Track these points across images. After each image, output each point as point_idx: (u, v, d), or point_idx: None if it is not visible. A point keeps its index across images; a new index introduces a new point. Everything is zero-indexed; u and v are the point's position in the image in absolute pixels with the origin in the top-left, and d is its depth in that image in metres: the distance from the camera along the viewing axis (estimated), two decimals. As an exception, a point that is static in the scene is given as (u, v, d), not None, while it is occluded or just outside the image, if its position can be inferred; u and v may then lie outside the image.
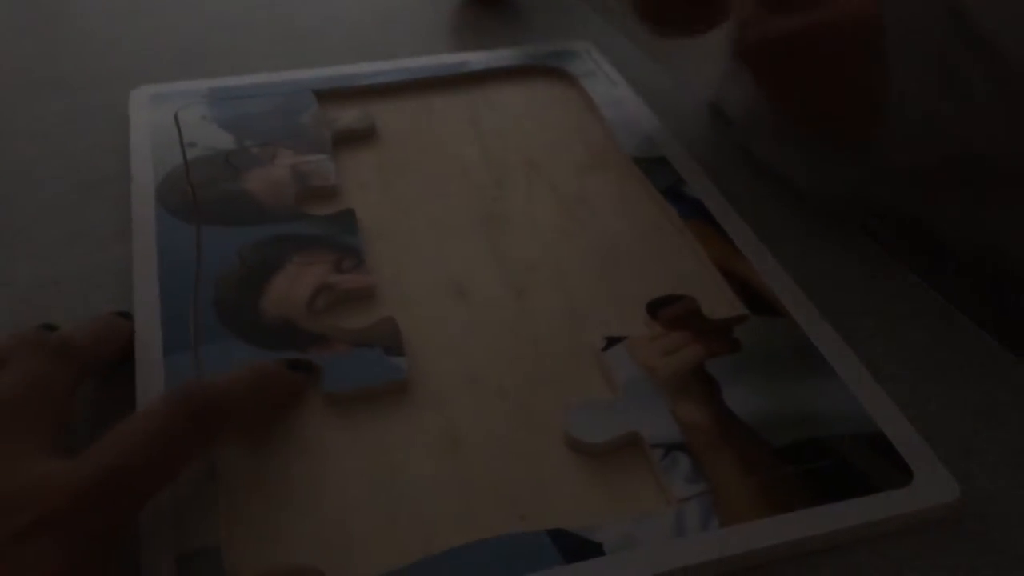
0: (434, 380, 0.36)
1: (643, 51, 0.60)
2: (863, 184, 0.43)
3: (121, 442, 0.27)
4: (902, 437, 0.34)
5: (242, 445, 0.33)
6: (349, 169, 0.47)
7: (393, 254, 0.42)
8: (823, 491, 0.32)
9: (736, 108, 0.52)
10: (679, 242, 0.43)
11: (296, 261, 0.40)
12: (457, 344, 0.38)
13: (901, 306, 0.41)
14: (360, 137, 0.50)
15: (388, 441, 0.33)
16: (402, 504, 0.31)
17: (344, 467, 0.32)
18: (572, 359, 0.37)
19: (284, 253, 0.41)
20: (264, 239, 0.41)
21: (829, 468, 0.33)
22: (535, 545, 0.30)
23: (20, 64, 0.56)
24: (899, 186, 0.45)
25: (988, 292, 0.46)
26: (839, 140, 0.42)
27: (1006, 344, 0.39)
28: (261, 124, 0.49)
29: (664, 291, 0.40)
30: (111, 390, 0.35)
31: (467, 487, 0.32)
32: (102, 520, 0.26)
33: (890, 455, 0.33)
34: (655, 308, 0.39)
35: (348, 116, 0.50)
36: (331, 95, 0.53)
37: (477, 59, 0.56)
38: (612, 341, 0.37)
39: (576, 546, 0.30)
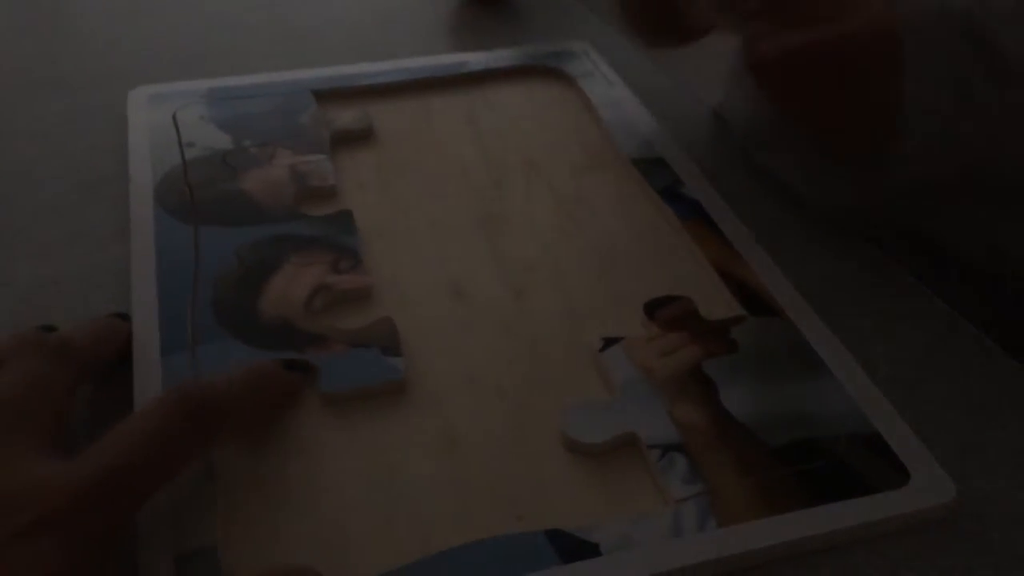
0: (432, 380, 0.36)
1: (642, 53, 0.60)
2: (871, 196, 0.43)
3: (120, 442, 0.28)
4: (899, 438, 0.34)
5: (240, 445, 0.33)
6: (347, 169, 0.47)
7: (391, 254, 0.42)
8: (820, 492, 0.32)
9: (741, 117, 0.52)
10: (677, 243, 0.44)
11: (294, 261, 0.40)
12: (455, 344, 0.38)
13: (898, 307, 0.41)
14: (358, 137, 0.50)
15: (385, 441, 0.33)
16: (399, 504, 0.31)
17: (341, 467, 0.32)
18: (570, 359, 0.37)
19: (282, 253, 0.41)
20: (262, 239, 0.41)
21: (826, 469, 0.33)
22: (532, 545, 0.30)
23: (20, 64, 0.56)
24: (910, 199, 0.44)
25: (989, 296, 0.46)
26: (853, 154, 0.42)
27: (1007, 348, 0.39)
28: (259, 124, 0.49)
29: (662, 292, 0.40)
30: (110, 390, 0.35)
31: (464, 487, 0.32)
32: (101, 520, 0.26)
33: (887, 456, 0.33)
34: (652, 309, 0.39)
35: (347, 116, 0.50)
36: (330, 95, 0.53)
37: (476, 59, 0.56)
38: (610, 342, 0.37)
39: (573, 546, 0.30)
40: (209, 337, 0.36)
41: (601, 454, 0.33)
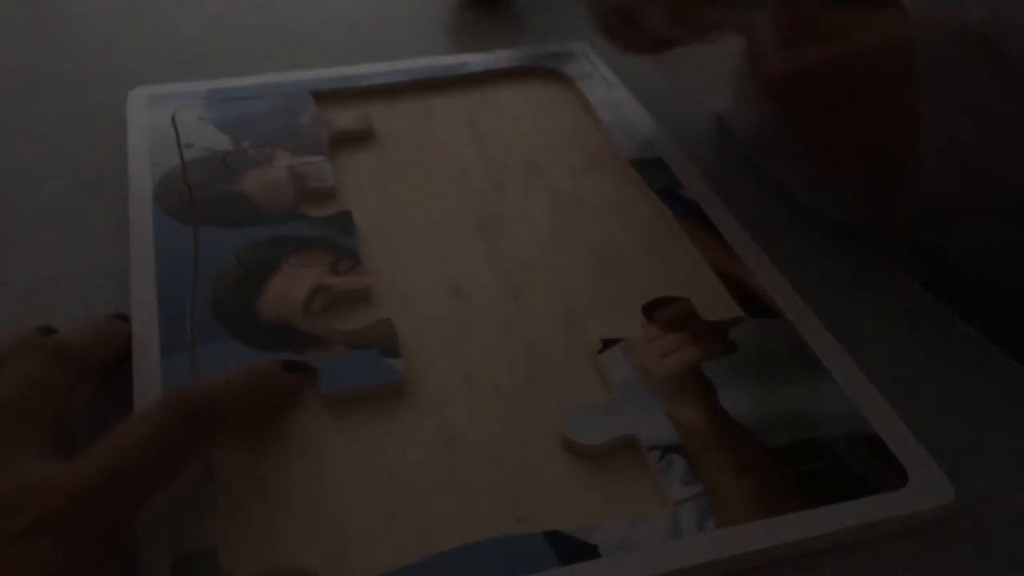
0: (431, 381, 0.36)
1: (643, 56, 0.60)
2: (881, 212, 0.43)
3: (119, 443, 0.28)
4: (898, 438, 0.34)
5: (239, 446, 0.33)
6: (347, 170, 0.47)
7: (390, 255, 0.42)
8: (819, 492, 0.32)
9: (746, 125, 0.52)
10: (675, 244, 0.44)
11: (293, 262, 0.40)
12: (454, 345, 0.38)
13: (898, 307, 0.41)
14: (358, 138, 0.50)
15: (385, 442, 0.34)
16: (399, 505, 0.31)
17: (341, 468, 0.32)
18: (569, 360, 0.37)
19: (281, 254, 0.41)
20: (261, 240, 0.41)
21: (825, 470, 0.33)
22: (531, 547, 0.30)
23: (20, 64, 0.56)
24: (921, 216, 0.44)
25: (991, 300, 0.46)
26: (865, 171, 0.42)
27: (1006, 349, 0.39)
28: (259, 125, 0.49)
29: (660, 293, 0.40)
30: (110, 391, 0.35)
31: (463, 488, 0.32)
32: (101, 521, 0.26)
33: (886, 457, 0.33)
34: (651, 310, 0.39)
35: (346, 117, 0.50)
36: (329, 96, 0.53)
37: (475, 60, 0.56)
38: (608, 343, 0.37)
39: (572, 548, 0.30)
40: (208, 338, 0.36)
41: (600, 455, 0.33)
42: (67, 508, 0.26)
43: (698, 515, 0.31)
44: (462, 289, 0.40)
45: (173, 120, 0.49)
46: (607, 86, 0.55)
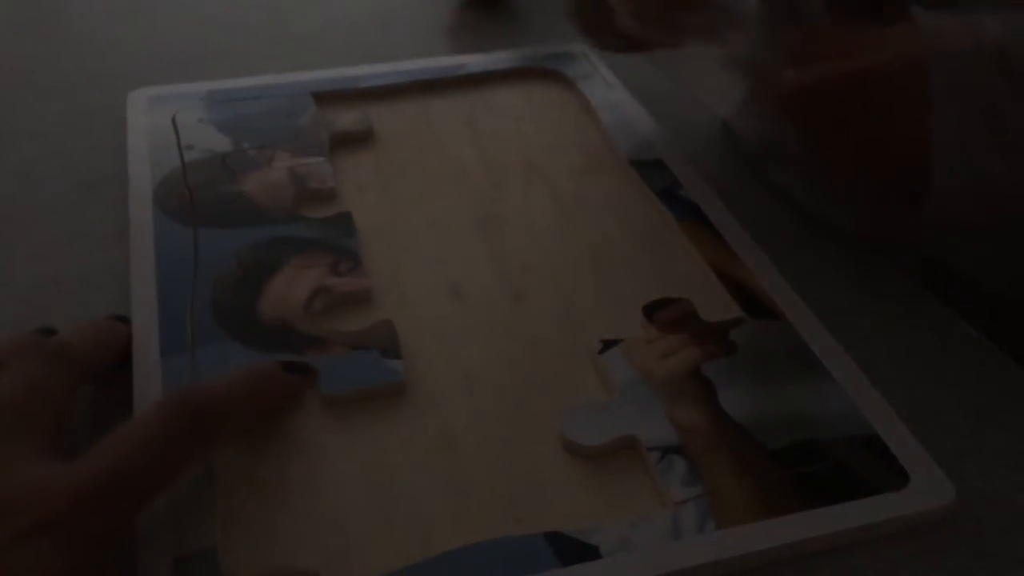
0: (431, 382, 0.36)
1: (641, 57, 0.60)
2: (893, 225, 0.43)
3: (120, 445, 0.28)
4: (898, 440, 0.34)
5: (239, 447, 0.33)
6: (347, 171, 0.47)
7: (391, 256, 0.42)
8: (819, 493, 0.32)
9: (752, 133, 0.52)
10: (675, 244, 0.44)
11: (293, 263, 0.40)
12: (454, 346, 0.38)
13: (897, 308, 0.41)
14: (358, 139, 0.50)
15: (385, 443, 0.33)
16: (399, 506, 0.31)
17: (341, 469, 0.32)
18: (569, 361, 0.37)
19: (281, 255, 0.41)
20: (261, 241, 0.41)
21: (825, 471, 0.33)
22: (531, 548, 0.30)
23: (20, 64, 0.56)
24: (935, 232, 0.44)
25: (990, 300, 0.46)
26: (878, 185, 0.41)
27: (1007, 350, 0.39)
28: (259, 126, 0.49)
29: (660, 294, 0.40)
30: (110, 392, 0.35)
31: (464, 489, 0.32)
32: (101, 522, 0.26)
33: (886, 458, 0.33)
34: (651, 311, 0.39)
35: (346, 118, 0.50)
36: (329, 97, 0.53)
37: (475, 61, 0.56)
38: (608, 344, 0.37)
39: (572, 549, 0.30)
40: (209, 339, 0.36)
41: (600, 456, 0.33)
42: (67, 509, 0.26)
43: (698, 516, 0.31)
44: (462, 290, 0.40)
45: (173, 121, 0.49)
46: (607, 87, 0.55)
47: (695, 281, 0.41)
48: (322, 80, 0.53)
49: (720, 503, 0.31)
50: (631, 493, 0.32)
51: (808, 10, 0.44)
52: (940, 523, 0.32)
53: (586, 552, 0.30)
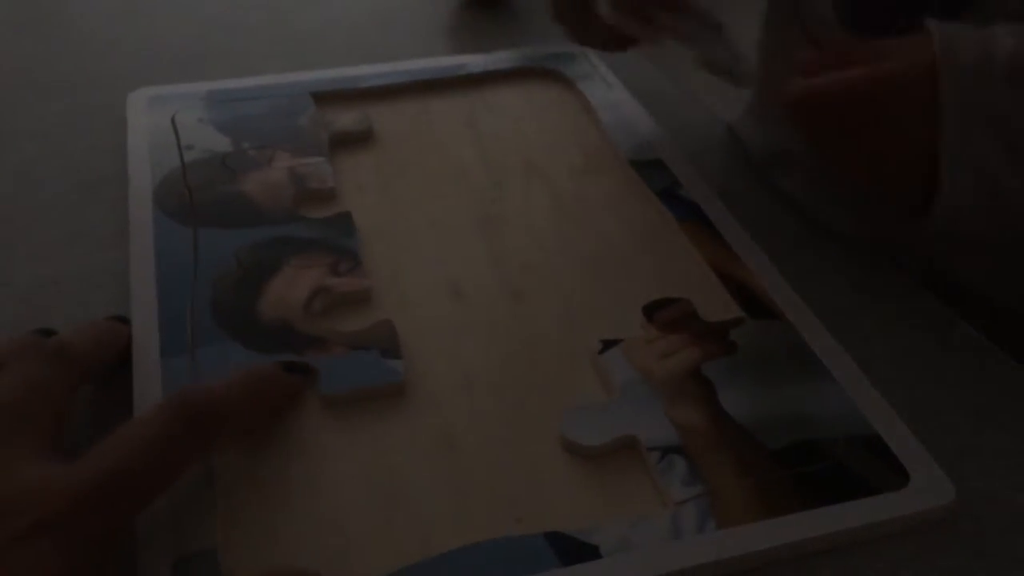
0: (431, 382, 0.36)
1: (649, 60, 0.60)
2: (902, 235, 0.43)
3: (120, 446, 0.28)
4: (898, 439, 0.34)
5: (239, 448, 0.33)
6: (347, 171, 0.47)
7: (391, 256, 0.42)
8: (819, 493, 0.32)
9: (757, 139, 0.52)
10: (675, 244, 0.44)
11: (293, 264, 0.40)
12: (454, 346, 0.38)
13: (898, 307, 0.41)
14: (358, 139, 0.50)
15: (385, 443, 0.33)
16: (399, 506, 0.31)
17: (341, 469, 0.32)
18: (568, 361, 0.37)
19: (281, 255, 0.41)
20: (261, 241, 0.41)
21: (825, 470, 0.33)
22: (532, 548, 0.30)
23: (20, 64, 0.56)
24: (945, 245, 0.44)
25: (991, 301, 0.46)
26: (887, 195, 0.41)
27: (1007, 350, 0.39)
28: (258, 126, 0.49)
29: (660, 294, 0.40)
30: (110, 393, 0.35)
31: (464, 489, 0.32)
32: (101, 523, 0.26)
33: (886, 457, 0.33)
34: (651, 311, 0.39)
35: (346, 118, 0.50)
36: (329, 97, 0.53)
37: (475, 61, 0.56)
38: (608, 344, 0.37)
39: (573, 549, 0.30)
40: (208, 339, 0.36)
41: (600, 456, 0.33)
42: (67, 510, 0.26)
43: (699, 516, 0.31)
44: (462, 290, 0.40)
45: (173, 121, 0.49)
46: (607, 87, 0.55)
47: (695, 281, 0.41)
48: (322, 80, 0.53)
49: (720, 503, 0.31)
50: (631, 493, 0.32)
51: (817, 19, 0.44)
52: (940, 523, 0.32)
53: (586, 552, 0.30)
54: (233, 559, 0.29)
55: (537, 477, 0.33)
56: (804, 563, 0.31)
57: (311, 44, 0.60)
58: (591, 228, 0.44)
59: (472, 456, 0.33)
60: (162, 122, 0.49)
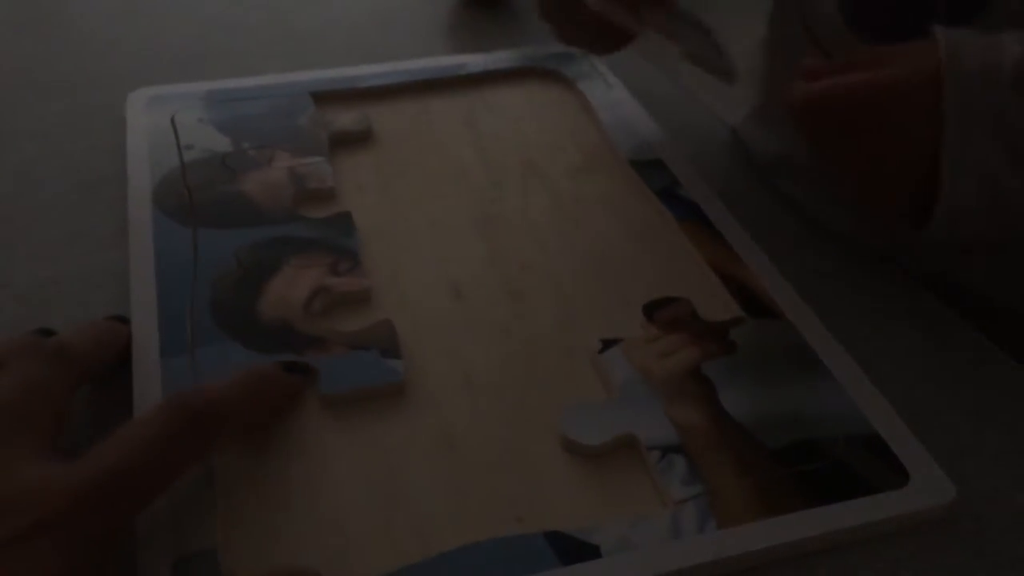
0: (431, 382, 0.36)
1: (650, 62, 0.60)
2: (905, 238, 0.43)
3: (120, 446, 0.28)
4: (898, 439, 0.34)
5: (240, 448, 0.33)
6: (346, 171, 0.47)
7: (390, 255, 0.42)
8: (819, 493, 0.32)
9: (762, 146, 0.52)
10: (675, 244, 0.44)
11: (293, 263, 0.40)
12: (454, 346, 0.38)
13: (897, 308, 0.41)
14: (357, 139, 0.50)
15: (385, 443, 0.33)
16: (399, 506, 0.31)
17: (341, 469, 0.32)
18: (568, 361, 0.37)
19: (281, 255, 0.41)
20: (261, 241, 0.41)
21: (825, 470, 0.33)
22: (532, 547, 0.30)
23: (20, 64, 0.56)
24: (948, 249, 0.44)
25: (991, 301, 0.46)
26: (890, 200, 0.41)
27: (1007, 350, 0.39)
28: (258, 126, 0.49)
29: (660, 293, 0.40)
30: (109, 393, 0.35)
31: (463, 489, 0.32)
32: (101, 523, 0.26)
33: (886, 457, 0.33)
34: (651, 310, 0.39)
35: (345, 118, 0.50)
36: (328, 97, 0.53)
37: (474, 61, 0.56)
38: (608, 343, 0.37)
39: (573, 548, 0.30)
40: (208, 339, 0.36)
41: (600, 456, 0.33)
42: (67, 510, 0.26)
43: (698, 515, 0.31)
44: (462, 289, 0.40)
45: (173, 121, 0.49)
46: (606, 87, 0.55)
47: (695, 281, 0.41)
48: (322, 80, 0.53)
49: (720, 502, 0.31)
50: (631, 492, 0.32)
51: (823, 22, 0.44)
52: (940, 522, 0.32)
53: (586, 551, 0.30)
54: (233, 559, 0.29)
55: (537, 477, 0.33)
56: (804, 562, 0.31)
57: (311, 44, 0.60)
58: (591, 228, 0.44)
59: (472, 456, 0.33)
60: (162, 122, 0.49)
